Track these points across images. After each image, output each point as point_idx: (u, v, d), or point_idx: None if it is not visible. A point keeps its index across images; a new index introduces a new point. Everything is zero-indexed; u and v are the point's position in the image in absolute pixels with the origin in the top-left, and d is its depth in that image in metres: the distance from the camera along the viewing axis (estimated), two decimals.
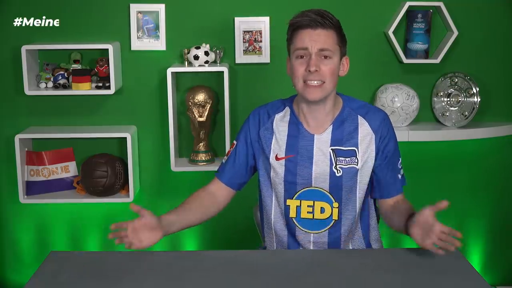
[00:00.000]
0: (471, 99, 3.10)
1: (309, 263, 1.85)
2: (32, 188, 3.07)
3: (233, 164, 2.15)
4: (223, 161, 2.19)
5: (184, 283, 1.73)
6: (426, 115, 3.19)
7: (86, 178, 3.02)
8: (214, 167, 3.04)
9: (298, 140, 2.07)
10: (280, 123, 2.11)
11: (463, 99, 3.12)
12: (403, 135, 2.99)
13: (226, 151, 2.23)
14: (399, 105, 3.02)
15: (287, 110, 2.13)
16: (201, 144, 3.08)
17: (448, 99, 3.13)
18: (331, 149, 2.05)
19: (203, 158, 3.08)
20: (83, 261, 1.88)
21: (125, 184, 3.10)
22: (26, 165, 3.06)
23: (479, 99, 3.09)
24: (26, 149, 3.07)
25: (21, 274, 3.26)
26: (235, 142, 2.18)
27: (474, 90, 3.09)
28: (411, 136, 3.02)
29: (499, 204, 3.32)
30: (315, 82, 1.97)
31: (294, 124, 2.09)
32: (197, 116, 3.03)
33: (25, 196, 3.04)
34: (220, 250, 1.99)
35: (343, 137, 2.06)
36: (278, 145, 2.09)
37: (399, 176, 2.12)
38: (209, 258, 1.90)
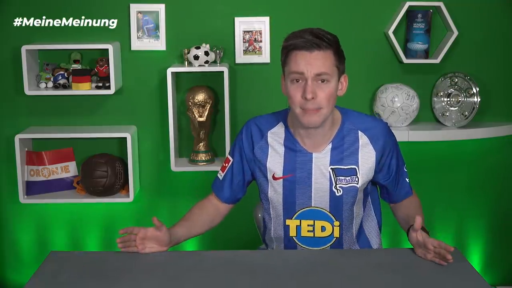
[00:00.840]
0: (471, 99, 3.10)
1: (309, 263, 1.85)
2: (32, 188, 3.07)
3: (230, 183, 2.11)
4: (219, 176, 2.14)
5: (184, 283, 1.73)
6: (426, 115, 3.19)
7: (86, 178, 3.02)
8: (214, 167, 3.04)
9: (296, 159, 2.00)
10: (275, 140, 2.03)
11: (463, 99, 3.11)
12: (403, 135, 2.99)
13: (221, 166, 2.16)
14: (399, 105, 3.01)
15: (280, 125, 2.04)
16: (201, 144, 3.08)
17: (448, 99, 3.13)
18: (331, 168, 1.98)
19: (203, 158, 3.07)
20: (83, 261, 1.88)
21: (125, 184, 3.10)
22: (26, 165, 3.06)
23: (479, 99, 3.09)
24: (26, 149, 3.07)
25: (21, 274, 3.26)
26: (230, 158, 2.11)
27: (474, 90, 3.09)
28: (411, 136, 3.02)
29: (499, 204, 3.32)
30: (312, 108, 1.87)
31: (290, 142, 2.01)
32: (197, 116, 3.03)
33: (25, 196, 3.03)
34: (220, 250, 1.99)
35: (343, 155, 1.99)
36: (274, 164, 2.02)
37: (407, 179, 2.11)
38: (209, 258, 1.90)
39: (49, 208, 3.20)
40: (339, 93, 1.94)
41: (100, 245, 3.24)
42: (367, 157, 2.00)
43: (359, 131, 2.00)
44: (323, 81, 1.87)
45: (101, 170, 3.00)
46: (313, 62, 1.85)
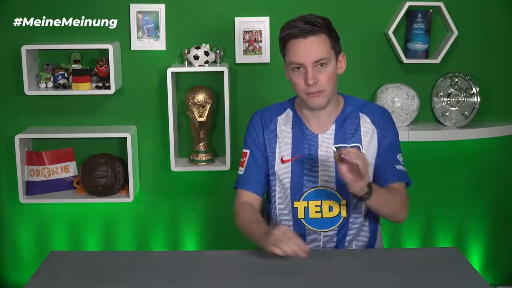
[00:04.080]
0: (471, 99, 3.10)
1: (309, 263, 1.85)
2: (32, 188, 3.07)
3: (255, 173, 2.13)
4: (240, 172, 2.15)
5: (184, 283, 1.73)
6: (426, 115, 3.19)
7: (86, 178, 3.02)
8: (214, 167, 3.05)
9: (303, 141, 2.08)
10: (283, 125, 2.11)
11: (463, 99, 3.12)
12: (403, 135, 2.99)
13: (240, 162, 2.17)
14: (399, 105, 3.02)
15: (288, 112, 2.13)
16: (201, 144, 3.08)
17: (448, 99, 3.13)
18: (335, 147, 2.06)
19: (203, 158, 3.08)
20: (83, 261, 1.89)
21: (125, 184, 3.10)
22: (26, 165, 3.06)
23: (479, 99, 3.09)
24: (26, 149, 3.07)
25: (21, 274, 3.26)
26: (246, 151, 2.15)
27: (474, 90, 3.09)
28: (411, 136, 3.02)
29: (499, 204, 3.32)
30: (316, 92, 1.97)
31: (298, 125, 2.10)
32: (197, 116, 3.03)
33: (25, 196, 3.03)
34: (220, 250, 2.00)
35: (346, 134, 2.07)
36: (283, 147, 2.10)
37: (397, 167, 2.08)
38: (209, 258, 1.90)
39: (49, 208, 3.20)
40: (338, 71, 2.04)
41: (100, 245, 3.24)
42: (368, 136, 2.07)
43: (360, 113, 2.10)
44: (322, 65, 1.96)
45: (101, 170, 3.00)
46: (310, 51, 1.94)
